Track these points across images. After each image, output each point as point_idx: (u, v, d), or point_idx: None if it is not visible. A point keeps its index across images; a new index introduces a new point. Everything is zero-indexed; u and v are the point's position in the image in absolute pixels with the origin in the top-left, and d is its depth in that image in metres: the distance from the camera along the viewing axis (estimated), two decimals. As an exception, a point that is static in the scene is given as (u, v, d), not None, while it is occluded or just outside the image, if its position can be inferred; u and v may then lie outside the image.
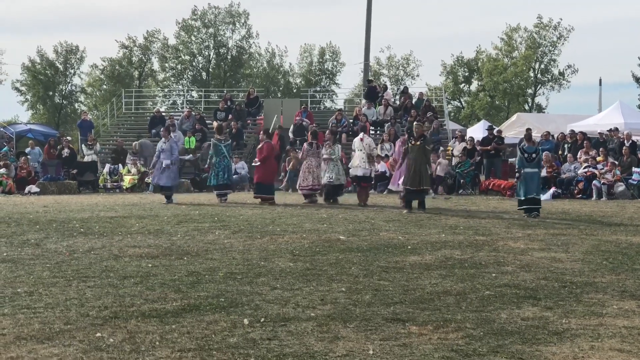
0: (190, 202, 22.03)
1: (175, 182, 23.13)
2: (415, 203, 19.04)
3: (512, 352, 6.15)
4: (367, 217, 17.11)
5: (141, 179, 28.88)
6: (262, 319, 7.16)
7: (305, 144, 22.82)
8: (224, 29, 66.12)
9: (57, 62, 66.05)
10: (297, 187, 22.90)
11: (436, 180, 26.38)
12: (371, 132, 34.82)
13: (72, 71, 66.95)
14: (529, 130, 21.44)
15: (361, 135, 22.77)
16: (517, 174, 18.48)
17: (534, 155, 18.18)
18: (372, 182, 24.12)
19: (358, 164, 21.57)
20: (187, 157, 31.00)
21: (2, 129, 36.37)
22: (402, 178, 19.52)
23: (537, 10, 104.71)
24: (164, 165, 22.01)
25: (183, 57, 66.50)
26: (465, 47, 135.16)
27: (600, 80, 56.79)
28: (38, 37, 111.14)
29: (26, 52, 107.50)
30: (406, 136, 20.54)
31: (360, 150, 21.59)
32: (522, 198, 18.05)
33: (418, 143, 18.77)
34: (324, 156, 21.75)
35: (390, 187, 22.70)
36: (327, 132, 23.60)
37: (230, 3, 65.85)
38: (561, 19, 63.70)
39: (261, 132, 23.93)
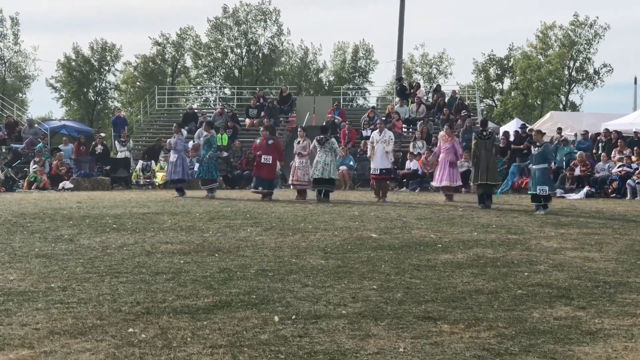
0: (222, 199, 22.12)
1: (187, 176, 24.49)
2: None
3: (545, 351, 6.11)
4: (399, 215, 17.08)
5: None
6: (293, 316, 7.17)
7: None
8: (256, 27, 66.16)
9: (92, 59, 66.40)
10: (294, 182, 22.93)
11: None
12: (404, 129, 34.85)
13: (107, 68, 67.31)
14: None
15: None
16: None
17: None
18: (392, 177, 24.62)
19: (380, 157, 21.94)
20: (224, 154, 31.22)
21: (37, 126, 36.61)
22: (441, 174, 21.59)
23: (572, 9, 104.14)
24: (170, 159, 23.90)
25: (215, 54, 66.60)
26: (497, 46, 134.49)
27: (635, 79, 56.15)
28: (71, 34, 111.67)
29: (60, 50, 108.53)
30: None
31: (379, 142, 21.98)
32: (535, 193, 18.41)
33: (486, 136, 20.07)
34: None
35: (433, 184, 22.90)
36: (300, 128, 24.33)
37: (262, 0, 65.89)
38: (597, 17, 63.08)
39: (262, 129, 24.43)
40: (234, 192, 25.26)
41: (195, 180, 25.53)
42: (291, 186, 23.26)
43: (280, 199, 22.11)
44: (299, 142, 22.65)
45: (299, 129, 24.21)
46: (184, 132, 29.04)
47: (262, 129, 24.84)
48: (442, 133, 22.81)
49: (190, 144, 25.71)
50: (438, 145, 22.24)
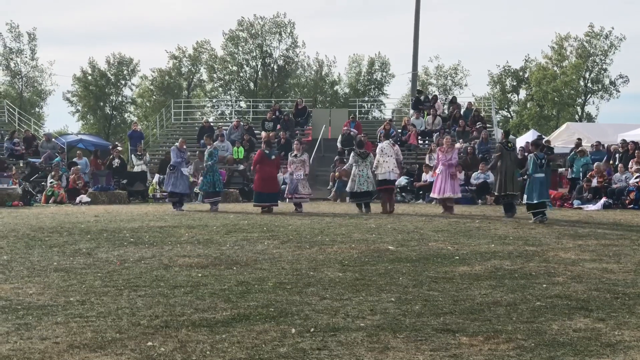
0: (238, 212, 22.14)
1: (187, 190, 24.46)
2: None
3: (564, 364, 6.10)
4: (416, 227, 17.05)
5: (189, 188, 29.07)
6: (312, 329, 7.17)
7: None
8: (271, 39, 66.38)
9: (108, 73, 66.75)
10: (299, 195, 22.88)
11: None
12: (419, 142, 34.90)
13: (124, 82, 67.62)
14: (540, 138, 22.51)
15: (391, 141, 23.63)
16: (525, 177, 19.67)
17: (543, 161, 19.13)
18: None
19: (391, 169, 21.92)
20: (240, 167, 31.26)
21: (54, 140, 36.79)
22: (442, 185, 21.57)
23: (587, 20, 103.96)
24: (185, 174, 23.47)
25: (230, 67, 66.81)
26: (512, 57, 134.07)
27: (651, 88, 55.86)
28: (87, 49, 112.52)
29: (76, 64, 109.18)
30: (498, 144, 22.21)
31: (391, 156, 21.93)
32: (535, 202, 18.71)
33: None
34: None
35: (432, 195, 22.80)
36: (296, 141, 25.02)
37: (276, 13, 66.19)
38: (612, 28, 62.92)
39: (263, 143, 24.65)
40: (250, 205, 25.25)
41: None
42: (287, 200, 23.20)
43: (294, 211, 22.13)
44: (295, 155, 22.69)
45: (294, 142, 24.41)
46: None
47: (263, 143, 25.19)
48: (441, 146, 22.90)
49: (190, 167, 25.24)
50: (437, 157, 22.22)
